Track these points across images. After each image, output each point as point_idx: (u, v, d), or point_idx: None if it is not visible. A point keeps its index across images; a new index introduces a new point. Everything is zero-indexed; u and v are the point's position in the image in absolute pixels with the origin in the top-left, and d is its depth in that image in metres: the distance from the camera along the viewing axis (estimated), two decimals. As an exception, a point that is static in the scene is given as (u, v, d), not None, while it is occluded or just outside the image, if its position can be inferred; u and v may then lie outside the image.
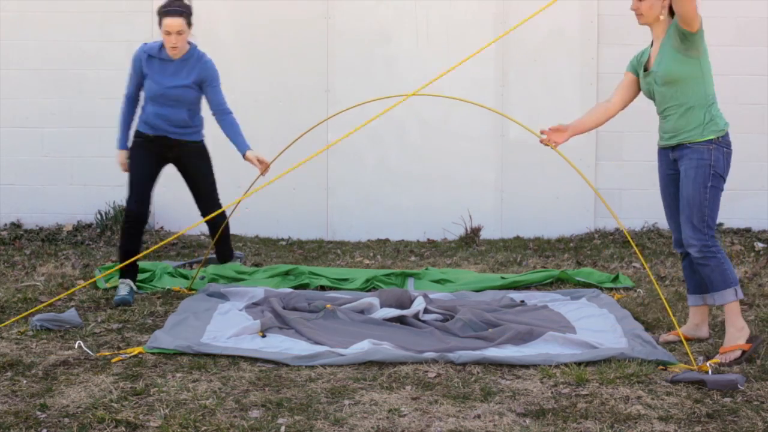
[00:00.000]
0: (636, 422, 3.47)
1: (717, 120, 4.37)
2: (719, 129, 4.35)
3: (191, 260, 6.61)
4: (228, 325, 4.74)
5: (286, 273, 6.11)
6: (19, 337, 4.58)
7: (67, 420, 3.47)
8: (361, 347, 4.30)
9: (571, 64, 7.72)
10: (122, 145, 5.59)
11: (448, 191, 7.79)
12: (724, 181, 4.37)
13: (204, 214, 5.68)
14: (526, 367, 4.14)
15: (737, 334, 4.29)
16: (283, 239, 7.70)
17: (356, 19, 7.74)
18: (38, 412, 3.53)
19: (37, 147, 7.83)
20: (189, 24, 5.37)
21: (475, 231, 7.51)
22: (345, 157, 7.80)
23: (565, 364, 4.13)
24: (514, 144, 7.72)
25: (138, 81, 5.49)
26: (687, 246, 4.36)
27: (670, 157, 4.48)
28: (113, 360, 4.20)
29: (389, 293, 5.24)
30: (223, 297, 5.44)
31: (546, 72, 7.76)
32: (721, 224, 7.86)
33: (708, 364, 4.05)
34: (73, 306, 5.18)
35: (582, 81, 7.71)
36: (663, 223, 7.44)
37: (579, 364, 4.14)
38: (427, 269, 6.30)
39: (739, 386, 3.81)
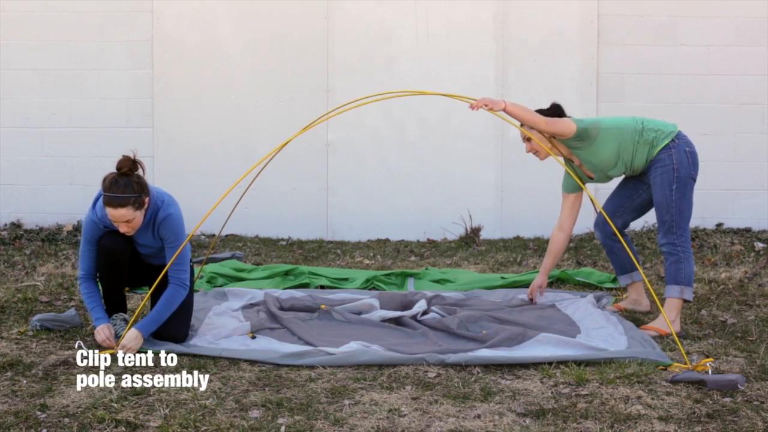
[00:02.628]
0: (636, 422, 3.47)
1: (657, 138, 4.77)
2: (665, 135, 4.78)
3: (191, 260, 6.61)
4: (220, 326, 4.73)
5: (286, 273, 6.11)
6: (19, 337, 4.58)
7: (67, 420, 3.46)
8: (350, 347, 4.31)
9: (571, 64, 7.72)
10: (104, 319, 4.40)
11: (448, 191, 7.79)
12: (693, 179, 4.74)
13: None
14: (526, 366, 4.14)
15: (664, 323, 4.64)
16: (283, 239, 7.71)
17: (356, 19, 7.74)
18: (38, 412, 3.53)
19: (37, 147, 7.84)
20: (139, 206, 4.27)
21: (475, 231, 7.51)
22: (345, 157, 7.80)
23: (565, 364, 4.13)
24: (514, 144, 7.72)
25: (95, 252, 4.42)
26: (659, 244, 4.79)
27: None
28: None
29: (392, 297, 5.25)
30: (224, 297, 5.43)
31: (546, 72, 7.76)
32: (721, 224, 7.87)
33: (707, 364, 4.05)
34: (73, 306, 5.18)
35: (582, 81, 7.72)
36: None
37: (579, 364, 4.14)
38: (427, 269, 6.30)
39: (739, 386, 3.81)
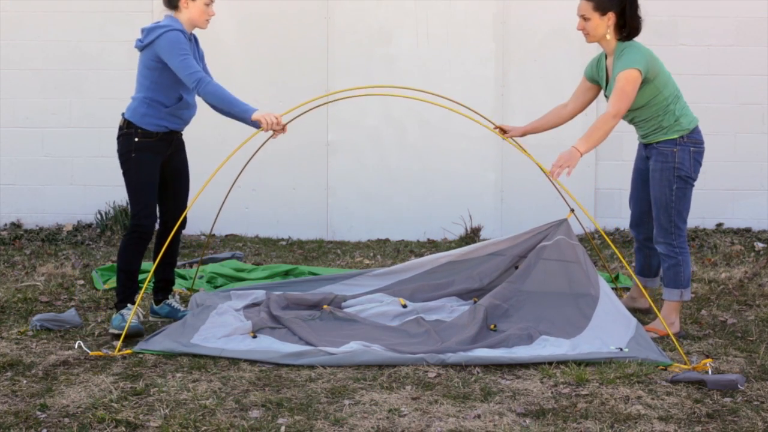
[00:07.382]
0: (636, 422, 3.47)
1: (681, 120, 4.69)
2: (683, 128, 4.69)
3: (191, 260, 6.62)
4: (221, 325, 4.74)
5: (286, 273, 6.11)
6: (19, 337, 4.58)
7: (67, 420, 3.47)
8: (350, 347, 4.31)
9: (571, 63, 7.71)
10: (252, 108, 4.96)
11: (448, 191, 7.79)
12: (694, 180, 4.72)
13: (176, 216, 4.94)
14: (526, 366, 4.14)
15: (662, 325, 4.61)
16: (283, 239, 7.71)
17: (356, 19, 7.74)
18: (38, 412, 3.54)
19: (37, 147, 7.83)
20: None
21: (475, 231, 7.51)
22: (345, 157, 7.80)
23: (565, 364, 4.13)
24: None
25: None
26: (655, 242, 4.78)
27: (644, 154, 4.90)
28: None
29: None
30: (227, 297, 5.42)
31: (546, 71, 7.76)
32: (721, 224, 7.87)
33: (707, 364, 4.05)
34: (73, 306, 5.18)
35: (582, 81, 7.71)
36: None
37: (579, 364, 4.14)
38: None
39: (739, 386, 3.82)
